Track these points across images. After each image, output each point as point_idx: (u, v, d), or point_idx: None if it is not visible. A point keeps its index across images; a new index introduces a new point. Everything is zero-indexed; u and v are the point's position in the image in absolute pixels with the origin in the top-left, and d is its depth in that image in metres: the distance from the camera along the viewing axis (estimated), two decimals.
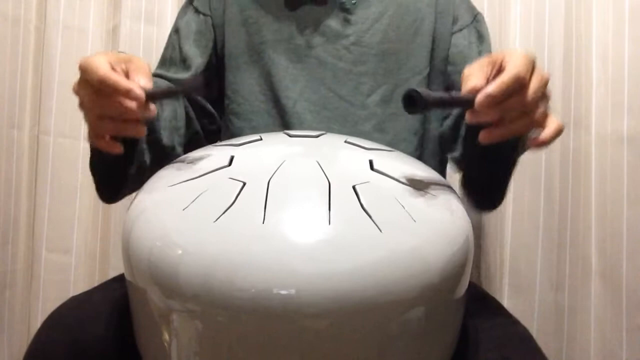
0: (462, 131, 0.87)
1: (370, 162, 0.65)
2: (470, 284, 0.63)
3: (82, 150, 1.37)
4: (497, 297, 1.19)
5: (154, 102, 0.66)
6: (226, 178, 0.59)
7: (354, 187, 0.57)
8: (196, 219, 0.54)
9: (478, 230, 1.29)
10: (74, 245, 1.37)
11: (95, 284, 0.87)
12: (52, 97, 1.37)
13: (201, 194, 0.56)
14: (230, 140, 0.77)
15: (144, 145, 0.79)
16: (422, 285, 0.52)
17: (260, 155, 0.69)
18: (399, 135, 0.93)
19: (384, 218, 0.53)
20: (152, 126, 0.79)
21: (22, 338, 1.37)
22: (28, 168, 1.36)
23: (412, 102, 0.57)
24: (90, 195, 1.36)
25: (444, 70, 0.97)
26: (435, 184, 0.66)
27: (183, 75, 0.94)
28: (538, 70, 0.61)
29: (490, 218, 1.26)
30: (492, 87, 0.58)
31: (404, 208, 0.56)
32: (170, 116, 0.85)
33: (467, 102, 0.59)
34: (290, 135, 0.76)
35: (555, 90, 1.20)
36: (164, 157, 0.81)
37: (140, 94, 0.61)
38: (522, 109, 0.60)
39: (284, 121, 0.93)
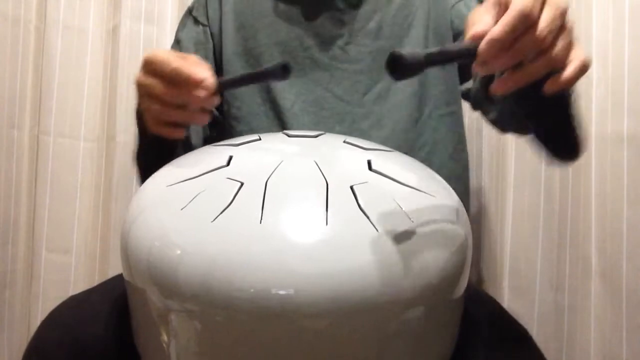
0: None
1: (369, 162, 0.65)
2: (469, 284, 0.63)
3: (82, 150, 1.38)
4: (497, 298, 1.19)
5: (220, 93, 0.70)
6: (224, 178, 0.59)
7: (351, 187, 0.57)
8: (194, 218, 0.54)
9: (478, 230, 1.29)
10: (74, 245, 1.37)
11: (95, 284, 0.87)
12: (52, 97, 1.37)
13: (199, 193, 0.56)
14: (229, 140, 0.77)
15: (179, 143, 0.82)
16: (421, 286, 0.52)
17: (258, 156, 0.69)
18: (397, 127, 0.93)
19: (382, 218, 0.53)
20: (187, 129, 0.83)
21: (22, 338, 1.37)
22: (28, 168, 1.36)
23: (397, 66, 0.49)
24: (90, 195, 1.36)
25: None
26: (434, 184, 0.66)
27: None
28: (551, 0, 0.53)
29: (490, 218, 1.26)
30: (495, 30, 0.51)
31: (402, 208, 0.56)
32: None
33: (468, 53, 0.52)
34: (289, 136, 0.76)
35: None
36: (184, 152, 0.84)
37: (213, 83, 0.65)
38: (535, 47, 0.52)
39: (282, 123, 0.93)
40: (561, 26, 0.53)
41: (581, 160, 1.17)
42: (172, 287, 0.51)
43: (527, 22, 0.51)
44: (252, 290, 0.48)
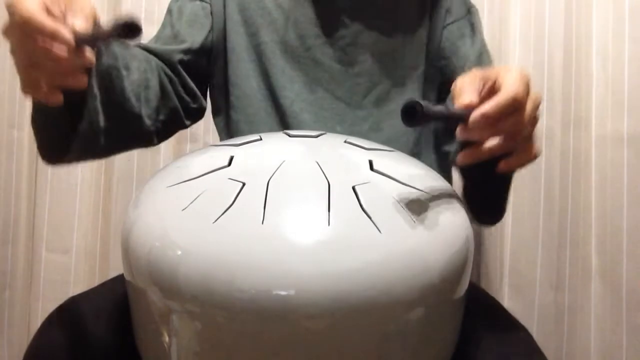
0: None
1: (370, 163, 0.65)
2: (470, 284, 0.63)
3: None
4: (497, 297, 1.19)
5: (91, 48, 0.58)
6: (226, 178, 0.59)
7: (353, 188, 0.57)
8: (196, 219, 0.54)
9: (478, 231, 1.29)
10: (74, 245, 1.37)
11: (95, 284, 0.87)
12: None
13: (200, 194, 0.56)
14: (230, 140, 0.77)
15: (98, 104, 0.71)
16: (422, 286, 0.52)
17: (259, 156, 0.68)
18: (396, 133, 0.93)
19: (384, 219, 0.53)
20: (111, 85, 0.72)
21: (22, 338, 1.37)
22: (28, 168, 1.36)
23: (412, 114, 0.55)
24: (90, 195, 1.36)
25: (438, 66, 0.97)
26: (435, 184, 0.66)
27: (170, 47, 0.90)
28: (532, 91, 0.60)
29: None
30: (488, 107, 0.57)
31: (404, 209, 0.56)
32: (139, 82, 0.78)
33: (461, 118, 0.58)
34: (290, 136, 0.76)
35: (555, 90, 1.20)
36: (126, 124, 0.77)
37: (68, 37, 0.54)
38: (517, 130, 0.59)
39: (281, 119, 0.93)
40: (535, 117, 0.61)
41: (581, 160, 1.18)
42: (172, 287, 0.51)
43: (515, 107, 0.57)
44: (253, 290, 0.48)
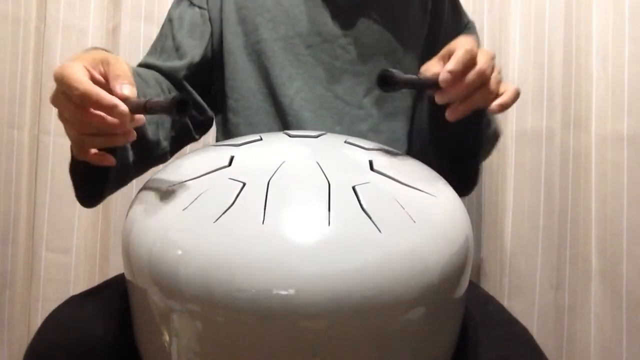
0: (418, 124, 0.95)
1: (370, 163, 0.65)
2: (470, 284, 0.63)
3: None
4: (497, 297, 1.19)
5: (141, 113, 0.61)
6: (226, 178, 0.59)
7: (353, 188, 0.57)
8: (196, 219, 0.54)
9: (478, 230, 1.29)
10: (74, 245, 1.37)
11: (95, 284, 0.86)
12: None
13: (201, 194, 0.57)
14: (230, 140, 0.77)
15: (127, 145, 0.74)
16: (422, 286, 0.52)
17: (260, 156, 0.69)
18: (394, 135, 0.94)
19: (384, 219, 0.53)
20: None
21: (22, 338, 1.37)
22: (28, 168, 1.35)
23: (385, 81, 0.66)
24: None
25: None
26: (435, 184, 0.66)
27: (175, 63, 0.91)
28: (481, 48, 0.69)
29: (490, 218, 1.26)
30: (451, 64, 0.66)
31: (404, 209, 0.56)
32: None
33: (432, 83, 0.67)
34: (290, 136, 0.76)
35: (555, 90, 1.20)
36: (149, 153, 0.80)
37: (125, 110, 0.56)
38: (480, 79, 0.67)
39: (281, 118, 0.92)
40: (493, 66, 0.69)
41: (581, 160, 1.18)
42: (173, 287, 0.52)
43: (471, 57, 0.66)
44: (253, 290, 0.48)
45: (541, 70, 1.22)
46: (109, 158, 0.63)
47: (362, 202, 0.55)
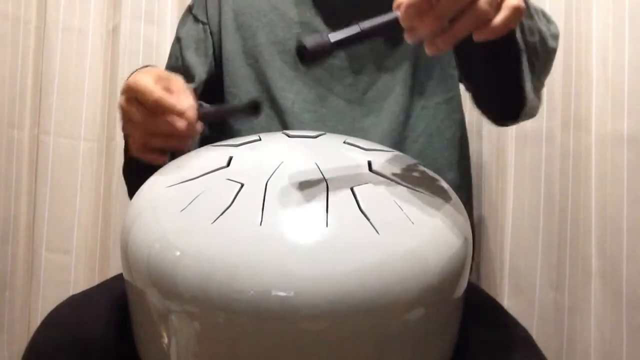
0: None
1: (369, 164, 0.65)
2: (470, 284, 0.63)
3: (82, 150, 1.38)
4: (497, 297, 1.19)
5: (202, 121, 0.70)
6: (224, 179, 0.59)
7: (352, 189, 0.57)
8: (194, 220, 0.54)
9: (478, 230, 1.29)
10: (74, 245, 1.37)
11: (95, 284, 0.87)
12: (52, 97, 1.37)
13: (199, 195, 0.56)
14: (229, 140, 0.77)
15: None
16: (421, 287, 0.52)
17: (258, 156, 0.69)
18: (392, 121, 0.93)
19: (382, 220, 0.53)
20: None
21: (22, 338, 1.37)
22: (28, 168, 1.36)
23: (304, 55, 0.52)
24: (90, 195, 1.36)
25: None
26: (434, 184, 0.66)
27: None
28: None
29: (490, 218, 1.26)
30: None
31: (402, 210, 0.56)
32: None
33: (391, 25, 0.52)
34: (289, 136, 0.76)
35: (555, 90, 1.20)
36: None
37: (194, 115, 0.66)
38: (455, 6, 0.51)
39: (282, 122, 0.93)
40: None
41: (581, 160, 1.17)
42: (171, 288, 0.51)
43: None
44: (251, 291, 0.48)
45: None
46: (162, 158, 0.71)
47: (361, 204, 0.55)
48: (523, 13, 0.54)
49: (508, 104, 0.78)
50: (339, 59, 0.93)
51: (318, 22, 0.93)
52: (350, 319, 0.50)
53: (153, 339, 0.57)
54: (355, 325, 0.50)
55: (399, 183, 0.62)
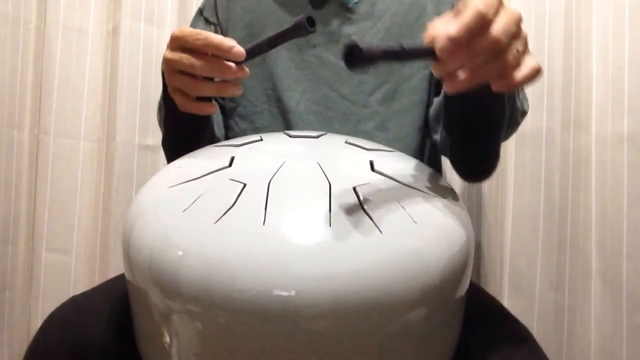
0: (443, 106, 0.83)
1: (371, 163, 0.65)
2: (470, 284, 0.63)
3: (82, 151, 1.38)
4: (497, 297, 1.19)
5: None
6: (226, 179, 0.59)
7: (354, 189, 0.57)
8: (196, 220, 0.54)
9: (478, 230, 1.29)
10: (74, 245, 1.37)
11: (95, 284, 0.86)
12: (52, 97, 1.37)
13: (201, 195, 0.56)
14: (231, 140, 0.77)
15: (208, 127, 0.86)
16: (423, 287, 0.52)
17: (260, 156, 0.69)
18: (401, 132, 0.93)
19: (385, 219, 0.53)
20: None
21: (22, 338, 1.37)
22: (28, 168, 1.36)
23: (352, 56, 0.50)
24: (90, 195, 1.36)
25: None
26: (436, 184, 0.66)
27: None
28: (506, 7, 0.54)
29: (490, 218, 1.26)
30: (452, 28, 0.51)
31: (405, 209, 0.56)
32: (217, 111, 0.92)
33: (426, 52, 0.53)
34: (290, 136, 0.76)
35: (555, 90, 1.20)
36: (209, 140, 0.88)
37: (241, 50, 0.67)
38: (489, 50, 0.52)
39: (286, 121, 0.93)
40: (515, 33, 0.53)
41: (581, 161, 1.18)
42: (173, 288, 0.51)
43: (482, 22, 0.51)
44: (253, 291, 0.48)
45: None
46: (212, 107, 0.73)
47: (363, 203, 0.55)
48: (541, 75, 0.55)
49: (482, 162, 0.81)
50: None
51: (330, 18, 0.93)
52: (352, 318, 0.50)
53: (154, 339, 0.57)
54: (357, 325, 0.50)
55: (401, 183, 0.62)
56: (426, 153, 0.95)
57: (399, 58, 0.54)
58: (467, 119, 0.73)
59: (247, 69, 0.70)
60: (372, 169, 0.64)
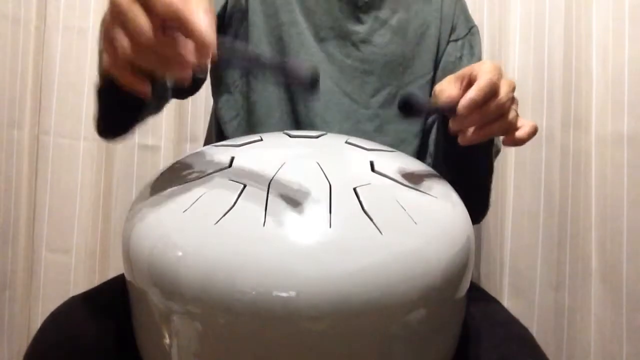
0: (432, 141, 0.93)
1: (371, 164, 0.65)
2: (471, 284, 0.63)
3: (82, 150, 1.37)
4: (497, 297, 1.19)
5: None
6: (227, 180, 0.59)
7: (354, 189, 0.57)
8: (197, 221, 0.54)
9: (478, 231, 1.29)
10: (74, 245, 1.37)
11: (95, 284, 0.86)
12: (52, 97, 1.37)
13: (202, 195, 0.56)
14: (230, 140, 0.77)
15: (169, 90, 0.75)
16: (424, 287, 0.52)
17: (260, 157, 0.68)
18: (398, 138, 0.94)
19: (385, 220, 0.53)
20: None
21: (22, 338, 1.37)
22: (28, 168, 1.36)
23: (409, 106, 0.63)
24: (90, 195, 1.36)
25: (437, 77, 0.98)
26: (436, 185, 0.66)
27: None
28: (505, 76, 0.66)
29: (490, 218, 1.26)
30: (473, 92, 0.63)
31: (405, 210, 0.56)
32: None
33: (450, 110, 0.64)
34: (290, 136, 0.76)
35: (555, 90, 1.20)
36: (162, 100, 0.77)
37: (213, 49, 0.48)
38: (498, 111, 0.65)
39: (292, 105, 0.93)
40: (513, 97, 0.67)
41: (581, 160, 1.18)
42: (173, 288, 0.51)
43: (494, 88, 0.64)
44: (254, 292, 0.48)
45: (541, 70, 1.22)
46: (147, 86, 0.53)
47: (364, 204, 0.55)
48: (537, 132, 0.69)
49: (478, 203, 0.86)
50: (351, 59, 0.93)
51: (339, 14, 0.93)
52: (352, 319, 0.50)
53: (154, 339, 0.57)
54: (358, 326, 0.50)
55: (401, 183, 0.62)
56: (427, 158, 0.96)
57: (432, 112, 0.69)
58: (460, 159, 0.81)
59: (214, 56, 0.49)
60: (373, 169, 0.64)
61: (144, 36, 0.48)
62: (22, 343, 1.36)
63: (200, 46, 0.47)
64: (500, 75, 0.65)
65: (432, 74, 0.96)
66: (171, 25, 0.48)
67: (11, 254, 1.35)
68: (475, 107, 0.63)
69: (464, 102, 0.63)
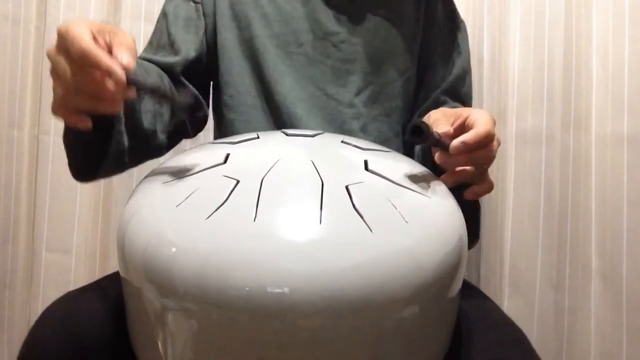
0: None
1: (365, 163, 0.65)
2: (465, 284, 0.63)
3: None
4: (497, 297, 1.19)
5: (137, 89, 0.61)
6: (220, 176, 0.59)
7: (346, 187, 0.58)
8: (189, 215, 0.54)
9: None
10: (74, 245, 1.37)
11: None
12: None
13: (195, 190, 0.57)
14: (228, 138, 0.77)
15: (122, 127, 0.73)
16: (415, 285, 0.52)
17: (255, 154, 0.69)
18: (382, 135, 0.94)
19: (376, 218, 0.53)
20: (131, 109, 0.74)
21: (22, 338, 1.36)
22: (28, 168, 1.36)
23: (419, 132, 0.63)
24: (90, 195, 1.36)
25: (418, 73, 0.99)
26: (430, 184, 0.66)
27: (171, 59, 0.90)
28: (495, 132, 0.70)
29: (490, 218, 1.26)
30: (469, 136, 0.66)
31: (396, 209, 0.56)
32: (154, 101, 0.80)
33: (442, 145, 0.67)
34: (287, 134, 0.76)
35: (555, 90, 1.20)
36: (144, 142, 0.79)
37: (122, 77, 0.55)
38: (482, 161, 0.69)
39: (275, 116, 0.92)
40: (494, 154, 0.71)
41: (581, 160, 1.17)
42: (167, 285, 0.51)
43: (487, 140, 0.67)
44: (247, 288, 0.48)
45: (541, 70, 1.22)
46: (87, 121, 0.61)
47: (355, 202, 0.55)
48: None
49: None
50: (332, 59, 0.93)
51: (317, 16, 0.93)
52: (344, 316, 0.50)
53: (149, 335, 0.57)
54: (350, 323, 0.50)
55: (394, 182, 0.62)
56: (414, 157, 0.95)
57: (434, 144, 0.69)
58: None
59: (131, 92, 0.60)
60: (366, 168, 0.64)
61: (66, 79, 0.57)
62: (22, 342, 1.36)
63: (112, 76, 0.55)
64: (494, 127, 0.69)
65: (412, 70, 0.96)
66: (89, 64, 0.55)
67: (11, 254, 1.35)
68: (465, 150, 0.66)
69: (457, 142, 0.66)
